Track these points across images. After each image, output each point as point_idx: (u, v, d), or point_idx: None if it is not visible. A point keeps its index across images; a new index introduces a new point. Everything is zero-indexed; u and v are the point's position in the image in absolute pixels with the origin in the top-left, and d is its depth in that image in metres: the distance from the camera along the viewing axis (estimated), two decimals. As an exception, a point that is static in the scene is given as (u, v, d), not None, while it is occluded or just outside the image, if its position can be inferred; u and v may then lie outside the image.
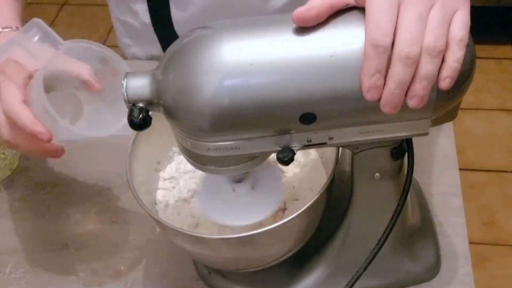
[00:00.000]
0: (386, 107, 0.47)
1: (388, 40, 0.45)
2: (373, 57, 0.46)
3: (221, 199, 0.66)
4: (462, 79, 0.50)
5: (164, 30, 1.02)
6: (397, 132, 0.54)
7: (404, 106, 0.48)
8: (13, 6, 0.85)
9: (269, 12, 0.95)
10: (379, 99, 0.47)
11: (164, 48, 0.91)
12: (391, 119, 0.52)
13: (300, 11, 0.48)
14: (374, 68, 0.46)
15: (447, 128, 0.88)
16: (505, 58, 2.17)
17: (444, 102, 0.51)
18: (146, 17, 1.01)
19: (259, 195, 0.65)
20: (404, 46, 0.45)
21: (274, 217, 0.67)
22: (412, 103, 0.47)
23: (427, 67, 0.46)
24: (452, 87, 0.48)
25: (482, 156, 1.88)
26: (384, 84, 0.47)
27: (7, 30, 0.80)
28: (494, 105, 2.03)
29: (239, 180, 0.64)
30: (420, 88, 0.47)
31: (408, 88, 0.47)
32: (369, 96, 0.47)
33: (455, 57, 0.47)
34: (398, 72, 0.46)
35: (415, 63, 0.46)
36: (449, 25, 0.47)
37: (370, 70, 0.46)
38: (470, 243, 0.76)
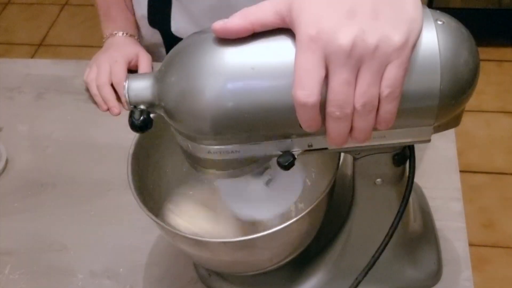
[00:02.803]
0: (332, 144, 0.49)
1: (314, 99, 0.45)
2: (303, 112, 0.46)
3: (241, 190, 0.66)
4: (465, 86, 0.49)
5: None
6: (399, 138, 0.53)
7: (406, 114, 0.47)
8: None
9: None
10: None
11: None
12: (393, 126, 0.51)
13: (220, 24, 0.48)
14: (306, 118, 0.47)
15: (449, 133, 0.88)
16: (506, 61, 2.17)
17: (447, 110, 0.51)
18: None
19: (275, 191, 0.65)
20: (334, 109, 0.46)
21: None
22: (356, 140, 0.49)
23: (360, 123, 0.47)
24: (454, 94, 0.48)
25: (482, 158, 1.88)
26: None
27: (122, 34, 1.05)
28: (495, 107, 2.03)
29: (259, 173, 0.64)
30: (359, 136, 0.48)
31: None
32: (308, 130, 0.48)
33: (385, 110, 0.47)
34: (333, 127, 0.47)
35: (349, 119, 0.47)
36: (380, 80, 0.46)
37: (302, 118, 0.47)
38: (470, 245, 0.76)
